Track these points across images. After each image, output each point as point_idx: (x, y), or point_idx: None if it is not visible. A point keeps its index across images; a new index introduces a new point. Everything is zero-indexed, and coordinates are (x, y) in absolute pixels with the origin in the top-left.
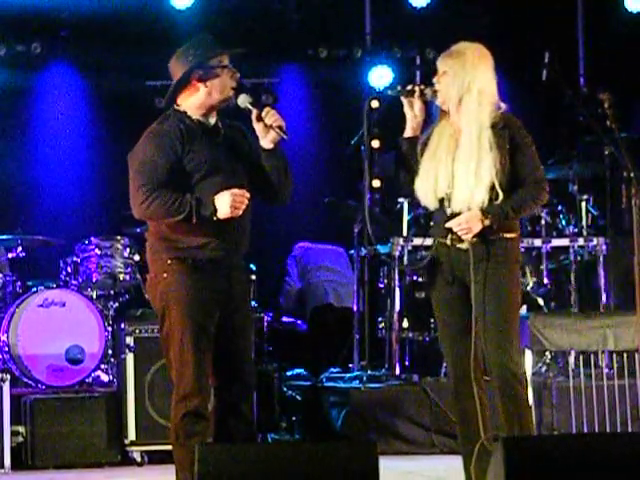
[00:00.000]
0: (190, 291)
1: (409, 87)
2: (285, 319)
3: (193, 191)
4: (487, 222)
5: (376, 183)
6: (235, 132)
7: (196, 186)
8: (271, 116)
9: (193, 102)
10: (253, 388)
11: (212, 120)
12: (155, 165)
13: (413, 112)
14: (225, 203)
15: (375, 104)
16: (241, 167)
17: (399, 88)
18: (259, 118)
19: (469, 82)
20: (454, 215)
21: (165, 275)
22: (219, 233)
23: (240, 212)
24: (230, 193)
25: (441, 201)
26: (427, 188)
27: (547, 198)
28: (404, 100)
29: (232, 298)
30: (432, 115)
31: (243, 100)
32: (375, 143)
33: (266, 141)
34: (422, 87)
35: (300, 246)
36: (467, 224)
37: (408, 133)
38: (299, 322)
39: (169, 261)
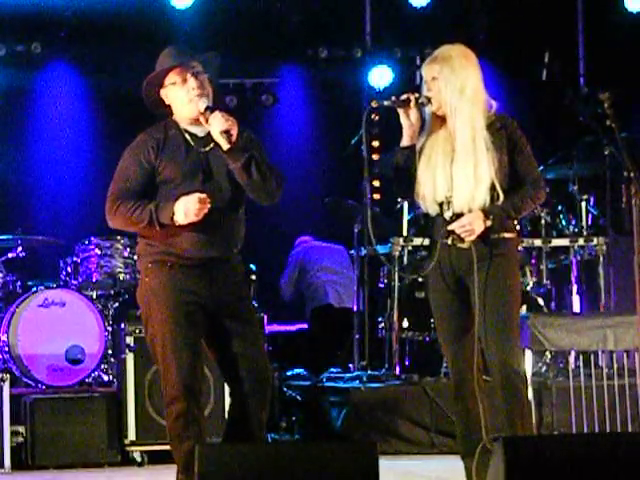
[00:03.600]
0: (170, 295)
1: (404, 97)
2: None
3: (168, 200)
4: (489, 222)
5: (376, 183)
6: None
7: (171, 195)
8: (216, 121)
9: (175, 115)
10: (265, 394)
11: (205, 129)
12: (125, 176)
13: (409, 121)
14: (181, 213)
15: (375, 105)
16: (226, 176)
17: (393, 98)
18: (207, 123)
19: (461, 84)
20: (454, 217)
21: (147, 279)
22: (200, 236)
23: (197, 218)
24: (185, 200)
25: (440, 205)
26: (426, 194)
27: (545, 197)
28: (400, 110)
29: (220, 302)
30: (424, 121)
31: (201, 105)
32: (375, 143)
33: (221, 144)
34: (417, 96)
35: (303, 241)
36: (470, 225)
37: (406, 142)
38: (291, 328)
39: (149, 265)
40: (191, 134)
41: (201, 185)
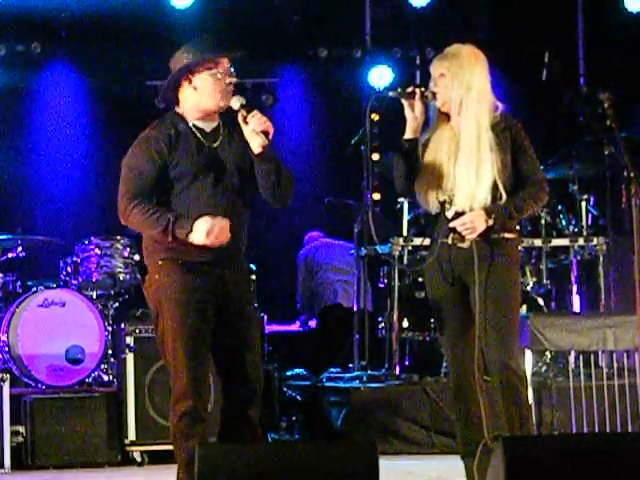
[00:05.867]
0: (182, 292)
1: (410, 89)
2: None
3: (178, 197)
4: (491, 222)
5: (376, 183)
6: (239, 136)
7: (183, 192)
8: (256, 120)
9: (188, 106)
10: (259, 392)
11: (212, 124)
12: (139, 173)
13: (414, 114)
14: (202, 231)
15: (376, 104)
16: (236, 172)
17: (399, 90)
18: (245, 121)
19: (468, 82)
20: (455, 216)
21: (157, 276)
22: None
23: (218, 243)
24: (210, 223)
25: (442, 203)
26: (428, 192)
27: (547, 199)
28: (405, 102)
29: (228, 300)
30: (429, 118)
31: (235, 102)
32: (375, 143)
33: (254, 145)
34: (423, 89)
35: (312, 237)
36: (471, 224)
37: (409, 135)
38: (291, 328)
39: (160, 262)
40: (199, 129)
41: (212, 181)
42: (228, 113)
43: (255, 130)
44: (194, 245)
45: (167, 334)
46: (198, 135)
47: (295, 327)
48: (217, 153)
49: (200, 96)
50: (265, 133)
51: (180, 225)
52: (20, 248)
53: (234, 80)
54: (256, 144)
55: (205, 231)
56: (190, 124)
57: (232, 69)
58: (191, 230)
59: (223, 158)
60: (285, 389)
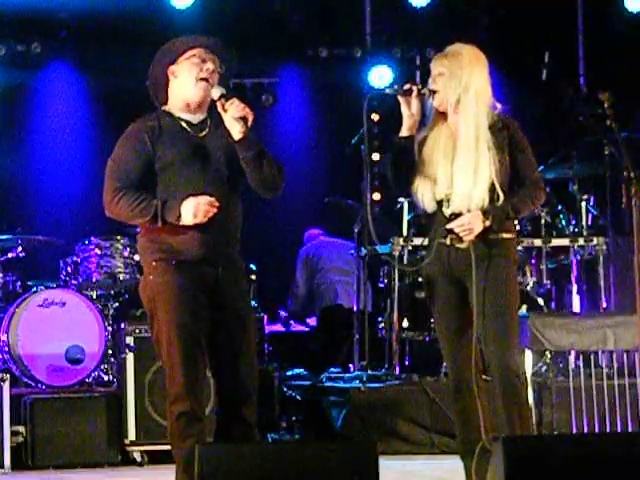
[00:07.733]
0: (175, 292)
1: (407, 86)
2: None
3: (166, 188)
4: (488, 222)
5: (376, 183)
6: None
7: (170, 182)
8: (234, 107)
9: (172, 99)
10: (254, 392)
11: (199, 117)
12: (124, 164)
13: (410, 111)
14: (189, 211)
15: (374, 103)
16: (224, 162)
17: (396, 87)
18: (224, 109)
19: (466, 82)
20: (453, 216)
21: (151, 277)
22: (203, 233)
23: (204, 220)
24: (195, 201)
25: (439, 203)
26: (425, 190)
27: (545, 198)
28: (401, 99)
29: (223, 299)
30: (426, 116)
31: (214, 92)
32: (376, 143)
33: (234, 132)
34: (419, 87)
35: (311, 235)
36: (469, 225)
37: (404, 132)
38: (305, 327)
39: (154, 262)
40: (186, 121)
41: (200, 170)
42: (216, 108)
43: (234, 116)
44: (186, 242)
45: (161, 335)
46: (184, 125)
47: (295, 327)
48: (203, 142)
49: (178, 86)
50: (244, 120)
51: (168, 209)
52: (20, 248)
53: (211, 67)
54: (236, 131)
55: (192, 214)
56: (176, 116)
57: (218, 62)
58: (180, 214)
59: (210, 147)
60: (285, 389)
